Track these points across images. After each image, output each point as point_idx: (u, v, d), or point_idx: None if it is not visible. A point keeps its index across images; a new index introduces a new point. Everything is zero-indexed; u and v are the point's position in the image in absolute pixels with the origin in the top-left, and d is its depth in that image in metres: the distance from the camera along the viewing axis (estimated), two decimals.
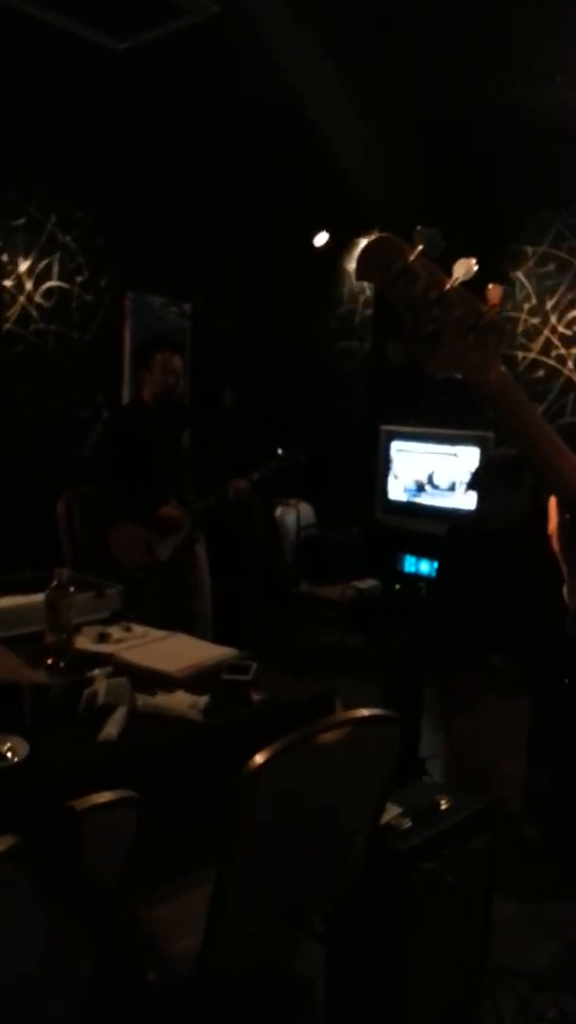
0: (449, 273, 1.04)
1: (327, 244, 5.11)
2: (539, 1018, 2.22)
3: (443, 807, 2.18)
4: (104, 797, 1.33)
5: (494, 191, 4.48)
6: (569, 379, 4.64)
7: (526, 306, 4.80)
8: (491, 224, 4.70)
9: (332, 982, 2.15)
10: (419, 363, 1.08)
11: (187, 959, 1.68)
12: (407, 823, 2.08)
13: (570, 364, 4.64)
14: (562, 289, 4.68)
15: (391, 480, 4.75)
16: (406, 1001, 2.05)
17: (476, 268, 1.04)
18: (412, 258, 1.04)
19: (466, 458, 4.38)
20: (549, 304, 4.71)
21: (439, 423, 4.49)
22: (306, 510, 4.92)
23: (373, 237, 1.06)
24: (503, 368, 1.09)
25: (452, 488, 4.47)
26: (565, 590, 1.13)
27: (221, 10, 2.96)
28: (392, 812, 2.09)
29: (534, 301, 4.77)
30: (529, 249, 4.79)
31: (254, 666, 2.22)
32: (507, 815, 2.91)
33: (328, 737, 1.59)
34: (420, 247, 1.03)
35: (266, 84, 3.47)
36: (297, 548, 4.78)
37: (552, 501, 1.16)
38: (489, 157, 4.13)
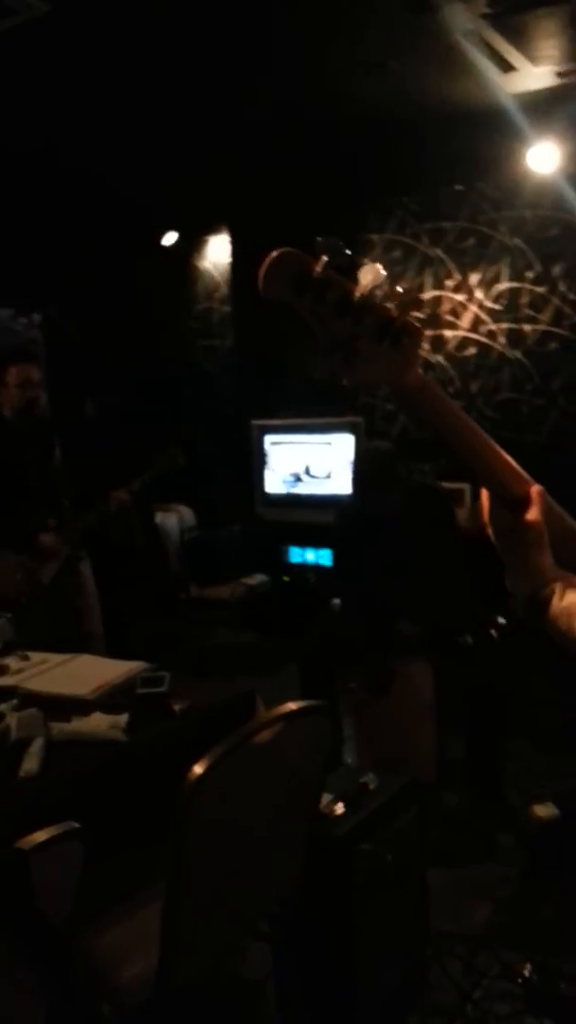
0: (354, 281, 1.04)
1: (177, 243, 5.06)
2: (484, 975, 2.30)
3: (371, 787, 2.21)
4: (48, 833, 1.27)
5: (336, 182, 4.57)
6: (427, 360, 4.80)
7: (378, 293, 4.92)
8: (337, 215, 4.80)
9: (282, 981, 2.14)
10: (337, 374, 1.09)
11: (142, 984, 1.63)
12: (340, 808, 2.10)
13: (426, 346, 4.79)
14: (410, 274, 4.83)
15: (268, 474, 4.77)
16: (358, 983, 2.07)
17: (384, 275, 1.04)
18: (319, 270, 1.03)
19: (340, 445, 4.46)
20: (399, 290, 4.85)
21: (310, 413, 4.54)
22: (187, 513, 4.87)
23: (275, 253, 1.03)
24: (420, 371, 1.09)
25: (329, 476, 4.54)
26: (507, 579, 1.16)
27: (50, 8, 2.86)
28: (324, 799, 2.10)
29: (385, 288, 4.90)
30: (375, 237, 4.91)
31: (167, 676, 2.17)
32: (424, 787, 3.00)
33: (264, 736, 1.58)
34: (325, 258, 1.02)
35: (103, 82, 3.40)
36: (182, 552, 4.73)
37: (484, 493, 1.19)
38: (329, 148, 4.20)
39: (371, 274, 1.03)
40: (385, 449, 3.39)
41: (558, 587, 1.09)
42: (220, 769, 1.47)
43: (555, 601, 1.08)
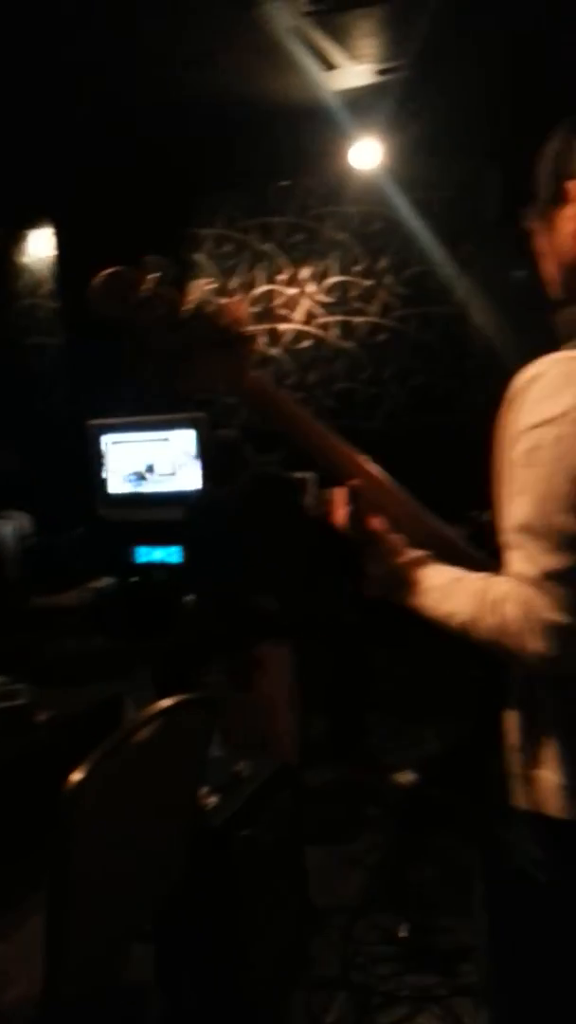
0: (184, 293, 1.12)
1: None
2: (363, 942, 2.37)
3: (244, 775, 2.22)
4: None
5: (165, 176, 4.52)
6: (264, 354, 4.85)
7: (210, 287, 4.93)
8: (166, 209, 4.76)
9: (167, 979, 2.12)
10: (172, 384, 1.14)
11: (24, 1007, 1.57)
12: (215, 799, 2.10)
13: (262, 340, 4.85)
14: (243, 269, 4.87)
15: (108, 474, 4.66)
16: (243, 969, 2.08)
17: (209, 287, 1.13)
18: (147, 287, 1.10)
19: (182, 441, 4.42)
20: (233, 284, 4.89)
21: (149, 410, 4.48)
22: (24, 520, 4.67)
23: (105, 273, 1.10)
24: (257, 372, 1.17)
25: (173, 473, 4.50)
26: (364, 562, 1.21)
27: None
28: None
29: (218, 282, 4.91)
30: (204, 232, 4.91)
31: (26, 688, 2.10)
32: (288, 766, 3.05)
33: (141, 736, 1.55)
34: (155, 274, 1.10)
35: None
36: (22, 561, 4.53)
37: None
38: (158, 142, 4.15)
39: (199, 289, 1.12)
40: (231, 438, 3.40)
41: (403, 571, 1.14)
42: (100, 773, 1.43)
43: (403, 585, 1.13)
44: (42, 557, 4.63)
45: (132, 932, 1.89)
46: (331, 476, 1.23)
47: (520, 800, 1.13)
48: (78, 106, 3.72)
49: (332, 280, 4.70)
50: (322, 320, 4.74)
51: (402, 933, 2.35)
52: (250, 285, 4.86)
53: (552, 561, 0.97)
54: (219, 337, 1.12)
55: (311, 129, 4.07)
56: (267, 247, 4.82)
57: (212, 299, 1.15)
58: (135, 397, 4.53)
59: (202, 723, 1.74)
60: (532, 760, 1.11)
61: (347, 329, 4.69)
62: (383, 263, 4.60)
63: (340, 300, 4.70)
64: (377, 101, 3.77)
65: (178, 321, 1.10)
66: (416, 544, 1.20)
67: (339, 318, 4.70)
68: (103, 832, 1.52)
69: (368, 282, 4.63)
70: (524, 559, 0.99)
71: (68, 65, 3.36)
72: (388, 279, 4.61)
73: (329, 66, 3.47)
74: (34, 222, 4.85)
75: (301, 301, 4.78)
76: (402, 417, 4.62)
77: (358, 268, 4.65)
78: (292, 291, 4.79)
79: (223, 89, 3.65)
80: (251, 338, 1.16)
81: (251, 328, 1.14)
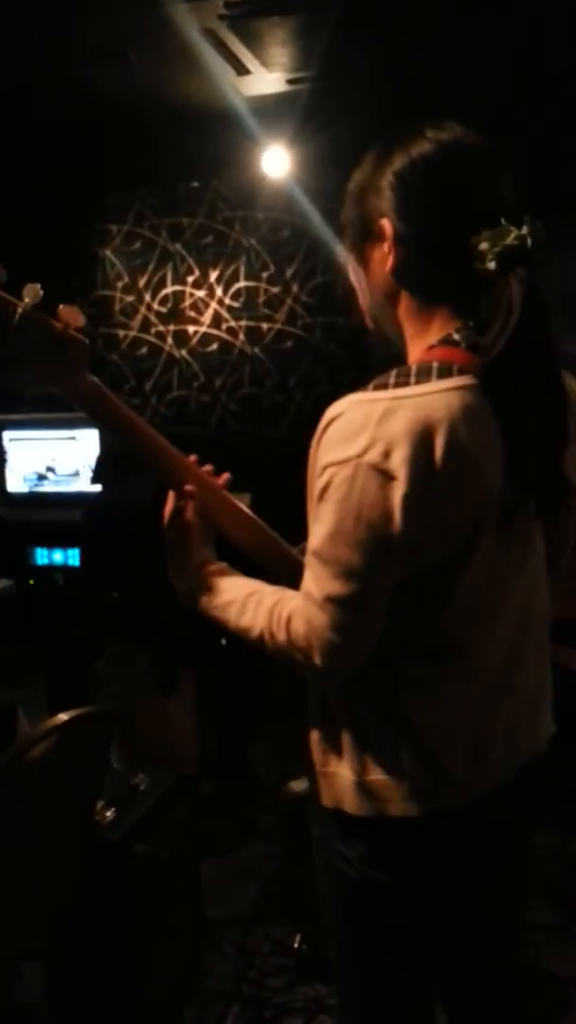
0: (19, 298, 1.14)
1: None
2: (257, 954, 2.38)
3: (141, 788, 2.19)
4: None
5: (75, 172, 4.42)
6: (171, 355, 4.81)
7: (119, 284, 4.85)
8: (74, 204, 4.65)
9: (56, 998, 2.07)
10: (7, 384, 1.16)
11: None
12: (111, 813, 2.06)
13: (170, 340, 4.80)
14: (151, 267, 4.81)
15: (8, 473, 4.52)
16: (135, 985, 2.05)
17: (42, 293, 1.14)
18: None
19: (87, 441, 4.34)
20: (142, 282, 4.82)
21: (53, 407, 4.37)
22: None
23: None
24: (92, 377, 1.20)
25: (76, 474, 4.40)
26: (168, 572, 1.28)
27: None
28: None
29: (127, 279, 4.84)
30: (114, 228, 4.83)
31: None
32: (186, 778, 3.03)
33: (36, 751, 1.51)
34: None
35: None
36: None
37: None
38: (68, 136, 4.05)
39: (31, 292, 1.14)
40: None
41: (202, 582, 1.21)
42: None
43: (202, 596, 1.21)
44: None
45: (21, 950, 1.84)
46: (165, 481, 1.28)
47: (323, 797, 1.20)
48: None
49: (240, 284, 4.70)
50: (230, 324, 4.73)
51: (296, 944, 2.36)
52: (159, 285, 4.81)
53: (333, 587, 1.04)
54: (52, 341, 1.15)
55: (223, 132, 4.05)
56: (176, 247, 4.78)
57: (40, 303, 1.15)
58: (40, 393, 4.41)
59: (99, 738, 1.71)
60: (327, 758, 1.19)
61: (254, 334, 4.69)
62: (290, 271, 4.62)
63: (247, 305, 4.69)
64: (287, 110, 3.78)
65: (9, 326, 1.12)
66: (249, 552, 1.28)
67: (246, 323, 4.70)
68: None
69: (275, 289, 4.64)
70: (312, 580, 1.07)
71: None
72: (295, 287, 4.63)
73: (242, 71, 3.46)
74: None
75: (210, 304, 4.75)
76: (309, 425, 4.64)
77: (266, 274, 4.66)
78: (201, 293, 4.76)
79: (138, 86, 3.59)
80: (84, 343, 1.19)
81: (85, 335, 1.18)
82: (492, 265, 1.05)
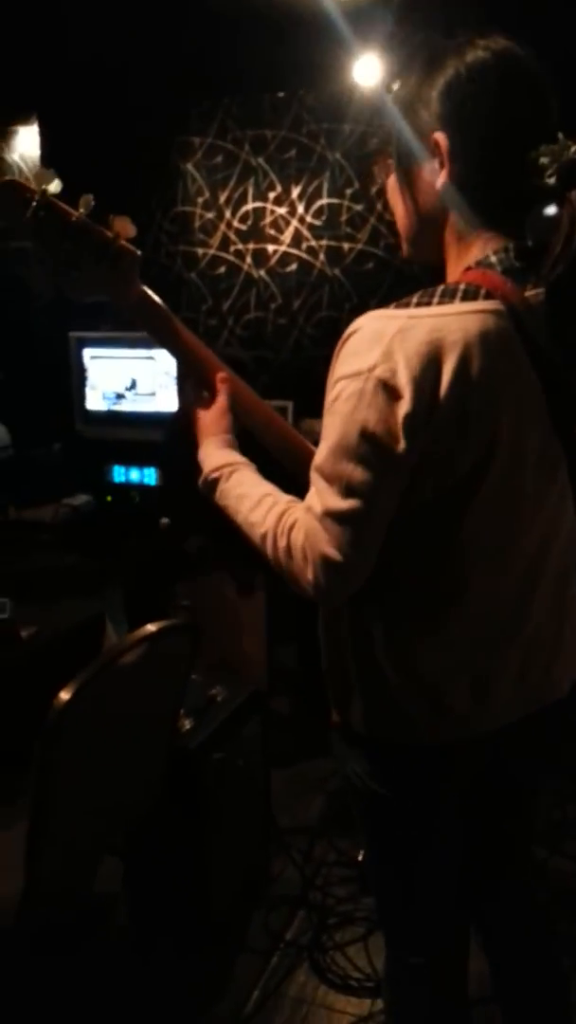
0: (75, 207, 1.20)
1: None
2: (323, 863, 2.47)
3: (219, 699, 2.26)
4: None
5: (158, 79, 4.32)
6: (249, 274, 4.74)
7: (200, 200, 4.77)
8: (157, 113, 4.56)
9: (135, 891, 2.19)
10: (62, 290, 1.24)
11: (3, 909, 1.62)
12: (189, 722, 2.14)
13: (248, 259, 4.73)
14: (232, 182, 4.71)
15: (88, 390, 4.58)
16: (208, 885, 2.16)
17: (93, 202, 1.20)
18: (39, 197, 1.18)
19: (165, 360, 4.35)
20: (222, 198, 4.73)
21: (131, 326, 4.37)
22: (0, 431, 4.60)
23: (1, 181, 1.20)
24: (143, 287, 1.25)
25: (153, 394, 4.43)
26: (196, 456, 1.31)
27: None
28: None
29: (207, 195, 4.75)
30: (196, 140, 4.72)
31: (8, 603, 2.09)
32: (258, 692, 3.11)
33: (128, 658, 1.57)
34: (45, 186, 1.18)
35: None
36: None
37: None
38: (152, 44, 3.94)
39: (84, 202, 1.20)
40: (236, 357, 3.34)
41: (225, 471, 1.23)
42: (87, 693, 1.45)
43: (222, 483, 1.23)
44: (17, 470, 4.58)
45: (106, 845, 1.94)
46: (191, 376, 1.33)
47: (335, 716, 1.25)
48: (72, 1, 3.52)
49: (323, 202, 4.57)
50: (310, 243, 4.62)
51: (360, 856, 2.44)
52: (241, 200, 4.71)
53: (334, 502, 1.04)
54: (104, 250, 1.20)
55: (311, 40, 3.88)
56: (259, 161, 4.66)
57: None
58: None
59: (185, 649, 1.76)
60: (336, 677, 1.22)
61: (335, 255, 4.58)
62: (376, 187, 4.47)
63: (329, 223, 4.57)
64: (380, 14, 3.60)
65: (65, 231, 1.19)
66: (278, 455, 1.31)
67: (327, 243, 4.59)
68: (86, 750, 1.55)
69: (359, 206, 4.51)
70: (315, 494, 1.07)
71: None
72: (379, 205, 4.48)
73: None
74: (22, 118, 4.63)
75: (290, 222, 4.65)
76: None
77: (350, 191, 4.51)
78: (282, 210, 4.65)
79: None
80: (134, 253, 1.22)
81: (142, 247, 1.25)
82: (552, 180, 1.01)
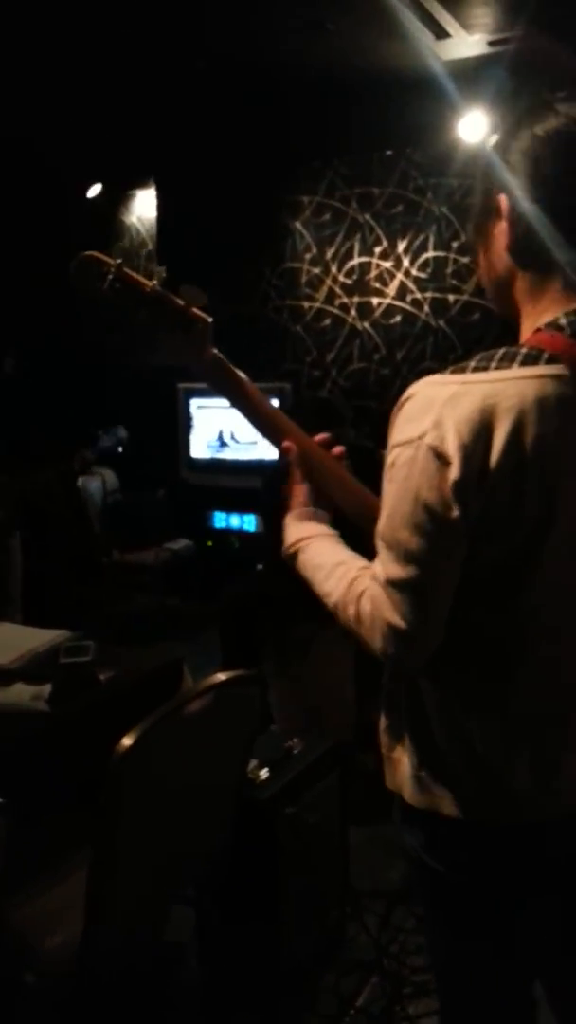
0: (150, 279, 1.27)
1: (102, 197, 4.92)
2: (400, 930, 2.38)
3: (295, 752, 2.25)
4: None
5: (268, 141, 4.49)
6: (353, 327, 4.80)
7: (307, 256, 4.89)
8: (267, 174, 4.72)
9: (205, 942, 2.18)
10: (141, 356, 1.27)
11: (65, 953, 1.64)
12: (265, 773, 2.13)
13: (353, 312, 4.80)
14: (339, 238, 4.81)
15: (193, 438, 4.72)
16: (280, 942, 2.12)
17: (165, 274, 1.24)
18: (114, 269, 1.25)
19: None
20: (329, 253, 4.83)
21: None
22: (109, 476, 4.79)
23: (80, 255, 1.27)
24: (216, 352, 1.29)
25: (255, 442, 4.52)
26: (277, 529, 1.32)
27: None
28: (250, 764, 2.13)
29: (315, 251, 4.87)
30: (305, 199, 4.86)
31: (92, 645, 2.15)
32: (344, 747, 3.07)
33: (194, 707, 1.59)
34: (119, 260, 1.26)
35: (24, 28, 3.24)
36: (105, 516, 4.65)
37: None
38: (262, 106, 4.12)
39: (156, 275, 1.32)
40: (323, 398, 3.37)
41: (303, 544, 1.23)
42: (150, 740, 1.47)
43: (300, 556, 1.23)
44: (124, 514, 4.75)
45: (172, 893, 1.95)
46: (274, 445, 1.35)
47: (387, 780, 1.20)
48: (188, 66, 3.71)
49: (429, 255, 4.60)
50: (415, 296, 4.65)
51: None
52: (346, 256, 4.80)
53: (394, 569, 1.04)
54: (178, 317, 1.25)
55: (419, 99, 3.97)
56: (366, 217, 4.75)
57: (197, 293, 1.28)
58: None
59: (252, 699, 1.77)
60: (392, 743, 1.19)
61: (440, 306, 4.59)
62: None
63: (435, 276, 4.59)
64: (487, 73, 3.64)
65: (141, 301, 1.25)
66: (355, 520, 1.29)
67: (432, 294, 4.60)
68: (150, 796, 1.57)
69: (465, 259, 4.51)
70: (379, 563, 1.07)
71: (177, 22, 3.35)
72: None
73: (441, 35, 3.37)
74: (140, 182, 4.90)
75: (395, 275, 4.69)
76: None
77: (456, 244, 4.53)
78: (387, 264, 4.71)
79: (334, 54, 3.58)
80: (206, 320, 1.27)
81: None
82: None
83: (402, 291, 4.69)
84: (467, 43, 3.45)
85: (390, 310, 4.73)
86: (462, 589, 1.05)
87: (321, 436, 1.35)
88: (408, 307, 4.69)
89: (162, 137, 4.32)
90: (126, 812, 1.50)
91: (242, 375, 1.33)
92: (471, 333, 4.52)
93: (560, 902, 1.20)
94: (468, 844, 1.14)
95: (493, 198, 1.10)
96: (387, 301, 4.72)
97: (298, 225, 4.89)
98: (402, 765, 1.17)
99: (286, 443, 1.31)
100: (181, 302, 1.25)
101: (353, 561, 1.18)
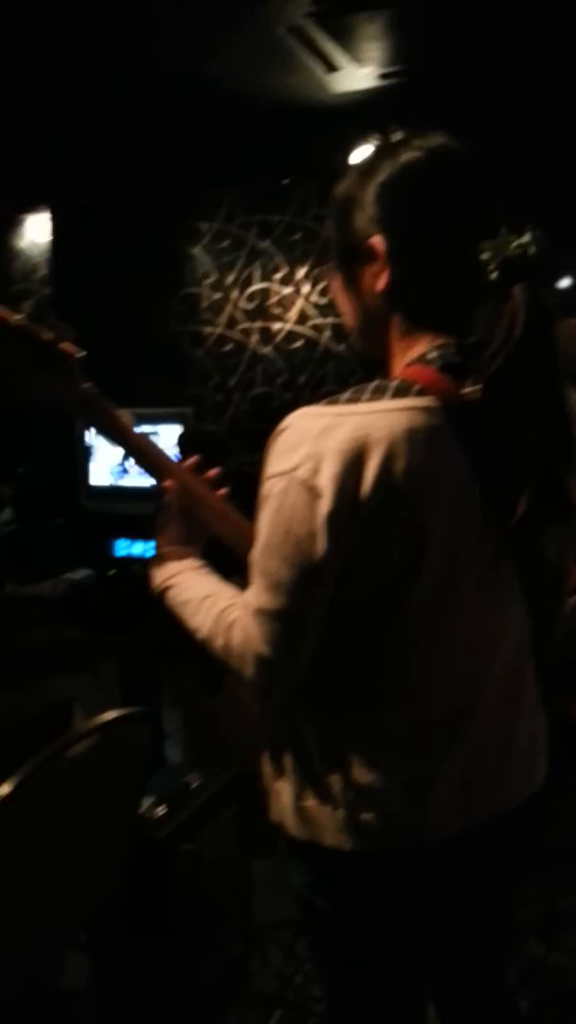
0: (16, 310, 1.20)
1: None
2: (305, 959, 2.35)
3: (193, 786, 2.20)
4: None
5: (165, 168, 4.48)
6: (255, 352, 4.82)
7: (206, 282, 4.89)
8: (165, 200, 4.72)
9: (101, 988, 2.10)
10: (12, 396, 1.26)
11: None
12: (161, 810, 2.08)
13: (255, 337, 4.82)
14: (240, 264, 4.83)
15: (92, 465, 4.63)
16: (181, 983, 2.07)
17: (32, 307, 1.20)
18: None
19: (168, 435, 4.40)
20: (229, 279, 4.85)
21: (136, 403, 4.44)
22: (3, 507, 4.64)
23: None
24: (86, 386, 1.25)
25: None
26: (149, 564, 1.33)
27: None
28: (145, 802, 2.07)
29: (214, 276, 4.88)
30: (204, 226, 4.87)
31: None
32: (252, 775, 3.03)
33: (78, 749, 1.53)
34: (63, 338, 1.20)
35: None
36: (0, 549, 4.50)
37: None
38: (159, 133, 4.11)
39: (24, 308, 1.19)
40: (211, 429, 3.37)
41: (170, 582, 1.22)
42: (31, 785, 1.41)
43: (168, 595, 1.22)
44: (19, 546, 4.60)
45: (64, 939, 1.87)
46: (158, 483, 1.34)
47: (271, 814, 1.19)
48: (80, 91, 3.68)
49: (328, 282, 4.67)
50: (315, 321, 4.71)
51: None
52: (246, 282, 4.83)
53: (265, 599, 1.04)
54: (45, 351, 1.20)
55: (314, 130, 4.03)
56: (265, 244, 4.79)
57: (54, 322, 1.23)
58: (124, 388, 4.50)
59: (141, 737, 1.72)
60: (273, 774, 1.17)
61: (339, 332, 4.65)
62: None
63: (334, 302, 4.66)
64: (378, 104, 3.74)
65: (6, 335, 1.18)
66: (226, 542, 1.30)
67: (332, 320, 4.66)
68: (32, 842, 1.50)
69: None
70: (251, 591, 1.07)
71: (71, 46, 3.32)
72: None
73: (331, 68, 3.44)
74: (32, 207, 4.81)
75: (296, 301, 4.74)
76: None
77: None
78: (287, 290, 4.75)
79: (228, 83, 3.61)
80: (73, 355, 1.23)
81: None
82: (495, 276, 1.00)
83: (303, 317, 4.74)
84: (357, 76, 3.54)
85: (291, 335, 4.77)
86: (336, 619, 1.05)
87: (210, 472, 1.34)
88: (309, 332, 4.74)
89: (56, 160, 4.26)
90: (6, 859, 1.43)
91: (120, 412, 1.29)
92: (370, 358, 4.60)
93: (441, 927, 1.21)
94: (350, 876, 1.13)
95: (362, 241, 1.08)
96: (288, 326, 4.76)
97: (197, 251, 4.89)
98: (283, 796, 1.15)
99: (166, 482, 1.29)
100: (48, 336, 1.20)
101: (222, 591, 1.17)
